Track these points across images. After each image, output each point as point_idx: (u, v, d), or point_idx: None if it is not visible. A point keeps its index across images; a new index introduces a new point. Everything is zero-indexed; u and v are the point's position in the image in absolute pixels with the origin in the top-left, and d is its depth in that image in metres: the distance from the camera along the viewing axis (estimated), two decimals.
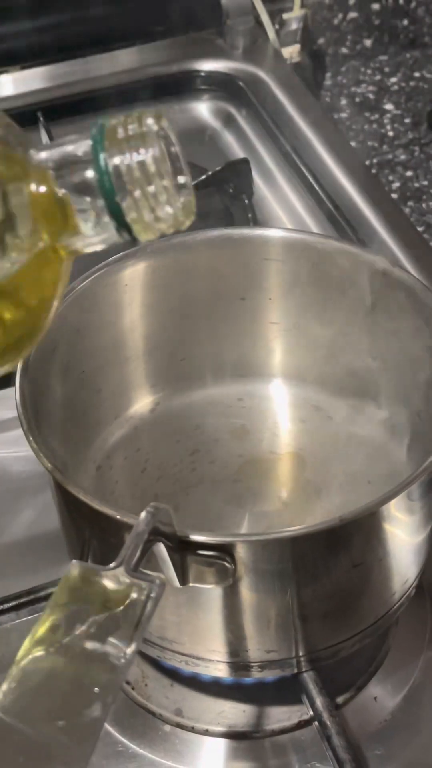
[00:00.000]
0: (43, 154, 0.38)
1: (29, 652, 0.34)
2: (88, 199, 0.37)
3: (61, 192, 0.37)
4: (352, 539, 0.45)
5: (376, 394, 0.57)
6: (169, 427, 0.59)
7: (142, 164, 0.37)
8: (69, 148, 0.38)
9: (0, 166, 0.37)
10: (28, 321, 0.40)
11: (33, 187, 0.37)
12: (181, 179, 0.38)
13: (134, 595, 0.36)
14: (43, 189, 0.37)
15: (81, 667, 0.33)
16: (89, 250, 0.39)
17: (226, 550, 0.42)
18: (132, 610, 0.35)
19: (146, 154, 0.37)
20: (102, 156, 0.37)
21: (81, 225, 0.38)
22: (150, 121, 0.37)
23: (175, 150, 0.38)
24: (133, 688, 0.54)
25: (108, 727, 0.53)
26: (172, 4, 0.98)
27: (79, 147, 0.38)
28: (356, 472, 0.56)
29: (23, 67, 0.97)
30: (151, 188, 0.37)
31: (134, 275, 0.55)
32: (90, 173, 0.37)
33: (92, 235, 0.38)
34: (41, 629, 0.35)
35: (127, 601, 0.35)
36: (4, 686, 0.33)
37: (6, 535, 0.62)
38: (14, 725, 0.32)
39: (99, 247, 0.39)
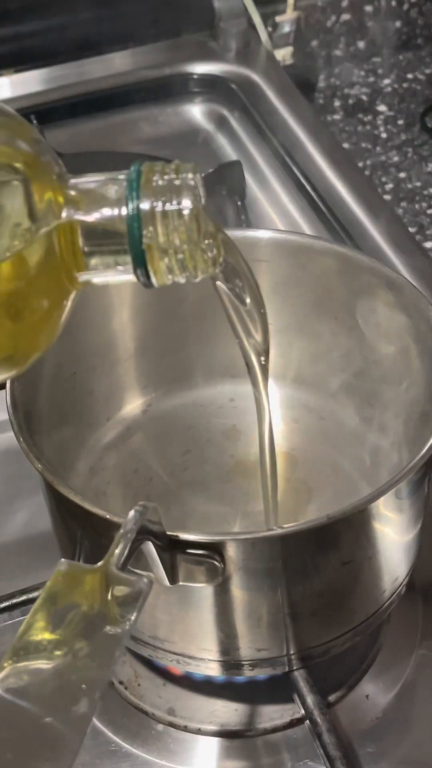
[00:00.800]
0: (74, 182, 0.38)
1: (17, 650, 0.34)
2: (110, 237, 0.38)
3: (81, 224, 0.38)
4: (341, 537, 0.45)
5: (367, 393, 0.57)
6: (161, 427, 0.59)
7: (173, 214, 0.38)
8: (101, 185, 0.38)
9: (36, 184, 0.37)
10: (28, 337, 0.40)
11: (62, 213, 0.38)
12: (207, 240, 0.39)
13: (122, 594, 0.36)
14: (67, 218, 0.38)
15: (68, 664, 0.34)
16: (96, 283, 0.40)
17: (215, 549, 0.42)
18: (119, 608, 0.35)
19: (180, 206, 0.38)
20: (136, 201, 0.38)
21: (93, 261, 0.39)
22: (189, 175, 0.38)
23: (202, 205, 0.39)
24: (125, 688, 0.54)
25: (101, 726, 0.53)
26: (165, 7, 0.99)
27: (113, 186, 0.38)
28: (348, 472, 0.56)
29: (17, 71, 0.97)
30: (178, 239, 0.38)
31: None
32: (121, 214, 0.38)
33: (102, 270, 0.39)
34: (29, 627, 0.35)
35: (114, 600, 0.36)
36: None
37: (0, 536, 0.62)
38: (1, 722, 0.32)
39: (106, 283, 0.40)
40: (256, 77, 0.96)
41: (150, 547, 0.40)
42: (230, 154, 0.91)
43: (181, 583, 0.43)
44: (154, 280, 0.39)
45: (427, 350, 0.51)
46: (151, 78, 0.96)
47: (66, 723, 0.32)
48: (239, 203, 0.82)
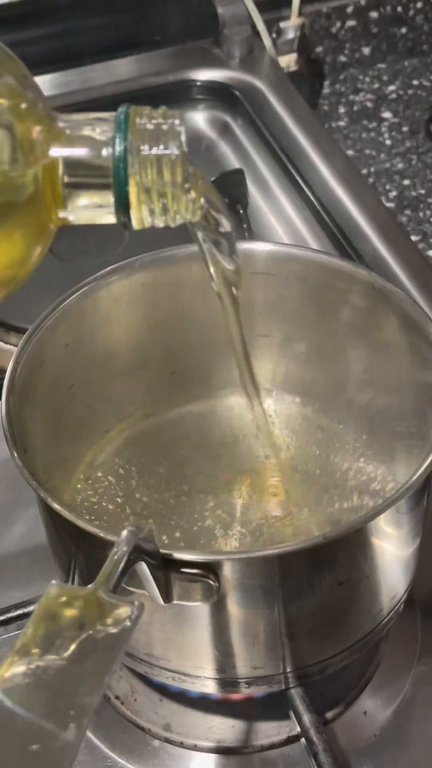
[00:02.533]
0: (62, 123, 0.39)
1: (5, 674, 0.34)
2: (94, 176, 0.38)
3: (65, 161, 0.38)
4: (338, 556, 0.45)
5: (366, 407, 0.57)
6: (159, 437, 0.59)
7: (159, 158, 0.38)
8: (89, 124, 0.39)
9: (21, 119, 0.37)
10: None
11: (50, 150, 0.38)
12: (187, 185, 0.40)
13: (112, 617, 0.35)
14: (53, 155, 0.38)
15: (57, 690, 0.33)
16: (74, 222, 0.40)
17: (209, 568, 0.42)
18: (110, 631, 0.35)
19: (166, 150, 0.38)
20: (124, 142, 0.38)
21: (73, 198, 0.39)
22: (177, 121, 0.39)
23: (185, 152, 0.39)
24: (122, 703, 0.54)
25: (97, 741, 0.53)
26: (170, 13, 0.99)
27: (100, 126, 0.39)
28: (346, 484, 0.56)
29: None
30: (161, 182, 0.38)
31: (123, 289, 0.55)
32: (107, 154, 0.38)
33: (82, 209, 0.39)
34: (18, 650, 0.34)
35: (105, 624, 0.35)
36: None
37: None
38: None
39: (84, 222, 0.40)
40: (259, 84, 0.96)
41: (143, 567, 0.40)
42: (233, 162, 0.90)
43: (175, 602, 0.43)
44: (134, 221, 0.40)
45: (425, 365, 0.50)
46: (155, 84, 0.96)
47: (53, 750, 0.32)
48: (241, 212, 0.81)
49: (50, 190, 0.39)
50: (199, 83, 0.96)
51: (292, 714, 0.51)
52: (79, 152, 0.38)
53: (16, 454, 0.45)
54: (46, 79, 0.97)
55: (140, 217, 0.40)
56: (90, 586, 0.37)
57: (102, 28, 0.98)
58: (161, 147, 0.38)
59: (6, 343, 0.72)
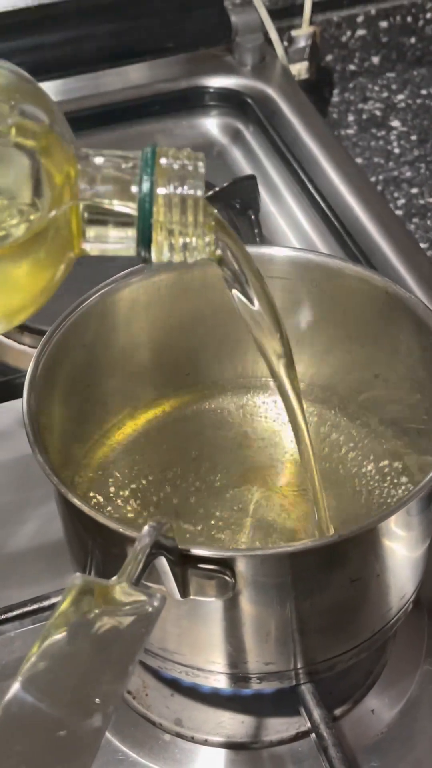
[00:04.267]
0: (88, 159, 0.40)
1: (32, 663, 0.35)
2: (119, 213, 0.40)
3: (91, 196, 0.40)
4: (351, 555, 0.46)
5: (378, 409, 0.58)
6: (173, 435, 0.59)
7: (183, 198, 0.40)
8: (115, 161, 0.40)
9: (49, 157, 0.39)
10: (24, 296, 0.41)
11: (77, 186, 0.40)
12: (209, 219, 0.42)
13: (135, 609, 0.36)
14: (80, 191, 0.40)
15: (83, 678, 0.34)
16: (94, 253, 0.42)
17: (226, 565, 0.43)
18: (133, 623, 0.36)
19: (190, 190, 0.40)
20: (150, 180, 0.40)
21: (95, 232, 0.41)
22: (200, 163, 0.41)
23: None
24: (134, 698, 0.55)
25: (109, 735, 0.54)
26: (183, 20, 1.00)
27: (126, 164, 0.40)
28: (356, 482, 0.57)
29: None
30: (184, 221, 0.40)
31: (140, 291, 0.56)
32: (133, 189, 0.40)
33: (104, 242, 0.41)
34: (44, 640, 0.35)
35: (128, 615, 0.36)
36: (8, 695, 0.34)
37: (10, 545, 0.63)
38: (14, 735, 0.32)
39: (104, 254, 0.42)
40: (271, 91, 0.97)
41: (163, 562, 0.41)
42: (245, 168, 0.91)
43: (191, 597, 0.44)
44: (154, 256, 0.41)
45: None
46: (167, 91, 0.97)
47: (80, 737, 0.33)
48: (253, 217, 0.82)
49: (75, 223, 0.40)
50: (211, 90, 0.97)
51: (302, 710, 0.52)
52: (105, 189, 0.40)
53: (36, 450, 0.46)
54: (58, 84, 0.98)
55: (160, 252, 0.41)
56: (113, 578, 0.38)
57: (115, 35, 0.99)
58: (186, 187, 0.40)
59: (20, 343, 0.73)
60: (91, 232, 0.41)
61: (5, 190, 0.38)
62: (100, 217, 0.40)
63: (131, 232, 0.41)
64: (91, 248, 0.41)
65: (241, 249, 0.45)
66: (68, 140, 0.40)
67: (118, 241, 0.41)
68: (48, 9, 0.97)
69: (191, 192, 0.40)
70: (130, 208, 0.40)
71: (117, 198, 0.40)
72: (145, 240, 0.41)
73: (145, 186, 0.40)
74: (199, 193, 0.40)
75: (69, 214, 0.40)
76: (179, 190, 0.40)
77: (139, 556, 0.39)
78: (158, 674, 0.55)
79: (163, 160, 0.40)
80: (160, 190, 0.40)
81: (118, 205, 0.40)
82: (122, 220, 0.40)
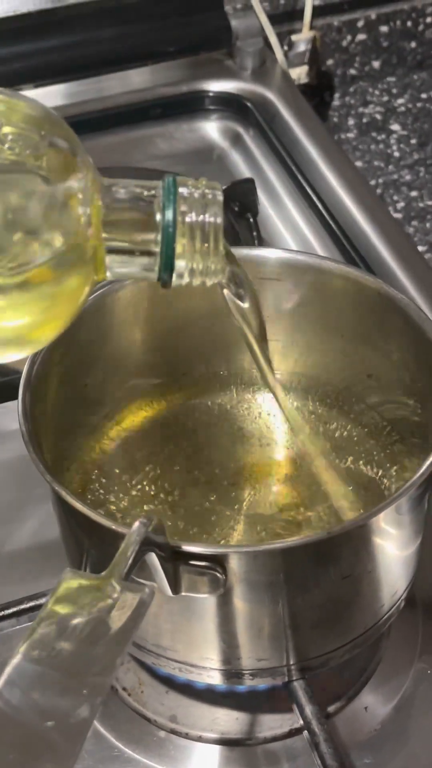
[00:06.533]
0: (110, 191, 0.42)
1: (22, 655, 0.35)
2: (141, 237, 0.42)
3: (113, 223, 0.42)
4: (341, 552, 0.46)
5: (371, 409, 0.59)
6: (168, 432, 0.60)
7: (203, 225, 0.42)
8: (137, 191, 0.42)
9: (76, 187, 0.40)
10: (49, 319, 0.43)
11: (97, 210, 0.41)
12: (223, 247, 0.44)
13: (123, 603, 0.37)
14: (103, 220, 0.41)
15: (71, 670, 0.35)
16: (116, 277, 0.43)
17: (217, 561, 0.43)
18: (122, 616, 0.37)
19: (211, 218, 0.42)
20: (173, 208, 0.42)
21: (117, 258, 0.42)
22: (218, 192, 0.43)
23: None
24: (129, 695, 0.56)
25: (104, 731, 0.54)
26: (184, 25, 1.00)
27: (148, 192, 0.42)
28: (350, 480, 0.57)
29: (37, 86, 0.98)
30: (205, 247, 0.42)
31: (136, 292, 0.57)
32: (157, 218, 0.42)
33: (126, 268, 0.43)
34: (34, 633, 0.36)
35: (117, 609, 0.37)
36: None
37: (9, 544, 0.64)
38: (3, 725, 0.33)
39: (126, 277, 0.44)
40: (271, 96, 0.97)
41: (153, 558, 0.42)
42: (244, 171, 0.92)
43: (183, 594, 0.44)
44: (174, 280, 0.43)
45: (429, 369, 0.52)
46: (168, 95, 0.98)
47: (68, 727, 0.33)
48: (251, 220, 0.83)
49: (99, 251, 0.42)
50: (211, 94, 0.98)
51: (294, 706, 0.52)
52: (129, 217, 0.42)
53: (32, 449, 0.47)
54: (60, 88, 0.99)
55: (181, 277, 0.43)
56: (103, 573, 0.38)
57: (116, 39, 1.00)
58: (207, 215, 0.42)
59: None
60: (115, 259, 0.42)
61: (34, 218, 0.39)
62: (124, 245, 0.42)
63: (154, 259, 0.42)
64: (114, 274, 0.43)
65: (243, 270, 0.49)
66: (92, 170, 0.41)
67: (141, 267, 0.43)
68: (50, 14, 0.98)
69: (212, 219, 0.42)
70: (153, 236, 0.42)
71: (140, 226, 0.42)
72: (167, 266, 0.42)
73: (169, 214, 0.42)
74: (219, 220, 0.42)
75: (93, 242, 0.41)
76: (201, 218, 0.42)
77: (129, 551, 0.39)
78: (153, 671, 0.56)
79: (183, 189, 0.42)
80: (184, 218, 0.42)
81: (141, 234, 0.42)
82: (145, 248, 0.42)
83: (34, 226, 0.39)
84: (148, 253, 0.42)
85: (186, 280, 0.43)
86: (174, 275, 0.43)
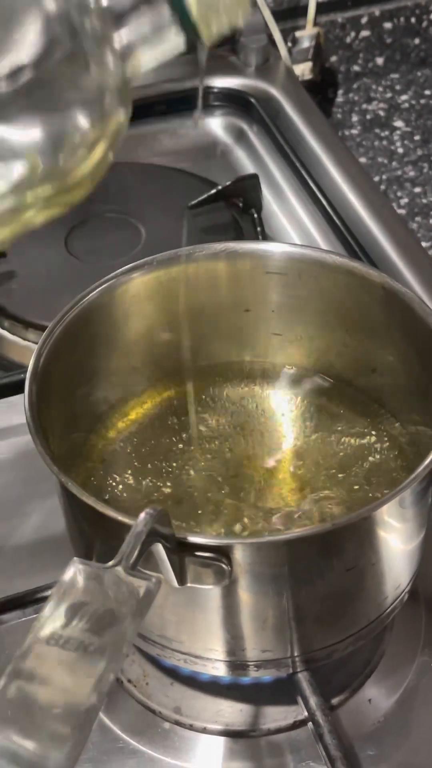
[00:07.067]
0: None
1: (29, 645, 0.36)
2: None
3: None
4: (345, 544, 0.46)
5: (375, 403, 0.59)
6: (173, 424, 0.60)
7: None
8: None
9: None
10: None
11: None
12: None
13: (131, 592, 0.37)
14: None
15: (78, 659, 0.35)
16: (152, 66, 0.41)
17: (222, 552, 0.44)
18: (128, 606, 0.37)
19: None
20: None
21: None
22: None
23: None
24: (134, 686, 0.56)
25: (109, 723, 0.55)
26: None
27: None
28: (354, 474, 0.57)
29: None
30: None
31: (142, 286, 0.57)
32: None
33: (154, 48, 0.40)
34: (42, 623, 0.36)
35: (124, 598, 0.37)
36: (4, 678, 0.35)
37: (15, 538, 0.64)
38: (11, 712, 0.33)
39: (160, 60, 0.42)
40: (275, 92, 0.97)
41: (159, 549, 0.42)
42: (248, 167, 0.92)
43: (189, 585, 0.44)
44: (203, 35, 0.40)
45: None
46: (172, 91, 0.98)
47: (75, 714, 0.33)
48: (256, 216, 0.83)
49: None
50: (215, 90, 0.98)
51: (299, 698, 0.52)
52: None
53: (38, 442, 0.47)
54: None
55: (207, 27, 0.39)
56: (110, 562, 0.39)
57: None
58: None
59: (24, 339, 0.74)
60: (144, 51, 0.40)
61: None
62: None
63: (173, 27, 0.39)
64: (147, 61, 0.41)
65: None
66: None
67: (165, 41, 0.40)
68: None
69: None
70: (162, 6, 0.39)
71: None
72: (186, 22, 0.39)
73: None
74: None
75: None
76: None
77: (135, 541, 0.40)
78: (158, 663, 0.56)
79: None
80: None
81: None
82: (159, 20, 0.39)
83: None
84: (166, 26, 0.39)
85: (214, 28, 0.39)
86: (200, 30, 0.39)
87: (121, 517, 0.44)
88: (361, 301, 0.56)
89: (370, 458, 0.57)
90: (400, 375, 0.56)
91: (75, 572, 0.38)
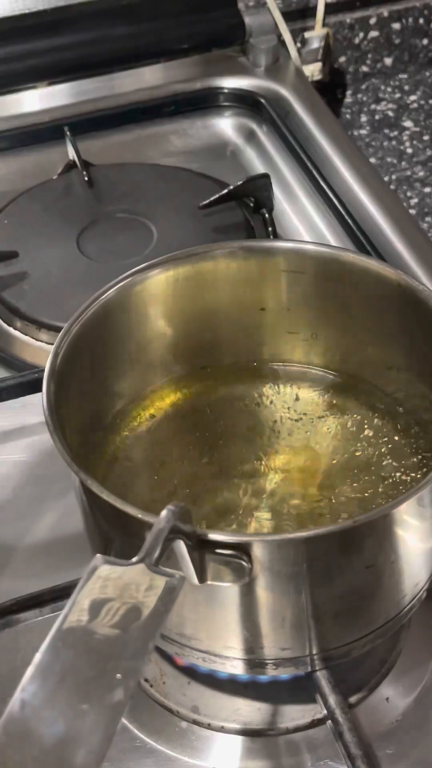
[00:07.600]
0: None
1: (55, 640, 0.36)
2: None
3: None
4: (365, 541, 0.46)
5: (391, 400, 0.59)
6: (189, 422, 0.60)
7: None
8: None
9: None
10: None
11: None
12: None
13: (155, 589, 0.37)
14: None
15: (104, 654, 0.35)
16: None
17: (243, 550, 0.44)
18: (152, 602, 0.37)
19: None
20: None
21: None
22: None
23: None
24: (151, 686, 0.56)
25: (126, 722, 0.55)
26: (197, 22, 1.01)
27: None
28: (371, 471, 0.57)
29: (51, 83, 0.99)
30: None
31: (158, 285, 0.57)
32: None
33: None
34: (67, 618, 0.36)
35: (148, 594, 0.37)
36: (28, 674, 0.35)
37: (30, 537, 0.64)
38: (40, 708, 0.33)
39: None
40: (284, 92, 0.98)
41: (181, 546, 0.42)
42: (259, 167, 0.92)
43: (209, 582, 0.44)
44: None
45: None
46: (182, 92, 0.98)
47: (102, 710, 0.33)
48: (267, 215, 0.83)
49: None
50: (225, 91, 0.98)
51: (317, 696, 0.52)
52: None
53: (57, 440, 0.47)
54: (74, 85, 0.99)
55: None
56: (133, 559, 0.39)
57: (130, 36, 1.00)
58: None
59: (37, 340, 0.74)
60: None
61: None
62: None
63: None
64: None
65: None
66: None
67: None
68: (64, 11, 0.98)
69: None
70: None
71: None
72: None
73: None
74: None
75: None
76: None
77: (158, 538, 0.39)
78: (175, 663, 0.56)
79: None
80: None
81: None
82: None
83: None
84: None
85: None
86: None
87: (141, 515, 0.43)
88: (377, 299, 0.56)
89: (388, 457, 0.57)
90: (416, 372, 0.56)
91: (98, 568, 0.38)
